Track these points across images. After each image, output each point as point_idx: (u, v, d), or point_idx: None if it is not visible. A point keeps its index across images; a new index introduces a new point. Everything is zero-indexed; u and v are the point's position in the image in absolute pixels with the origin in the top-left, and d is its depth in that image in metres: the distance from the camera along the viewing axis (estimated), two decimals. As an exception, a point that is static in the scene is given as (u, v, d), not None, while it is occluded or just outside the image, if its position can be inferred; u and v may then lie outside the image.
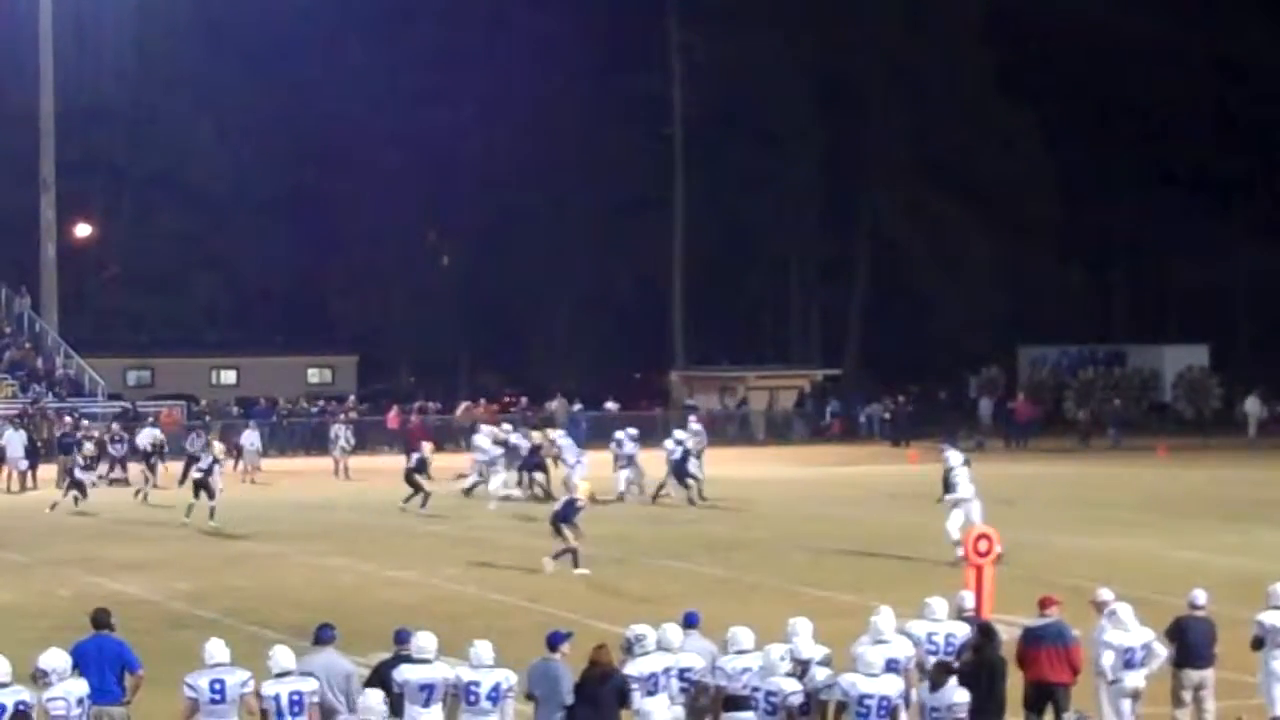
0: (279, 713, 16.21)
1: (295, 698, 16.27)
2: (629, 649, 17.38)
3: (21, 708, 15.44)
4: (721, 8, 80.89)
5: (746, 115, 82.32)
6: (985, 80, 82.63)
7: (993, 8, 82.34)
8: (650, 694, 17.02)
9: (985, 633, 18.59)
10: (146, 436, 51.11)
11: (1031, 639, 18.76)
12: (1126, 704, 18.82)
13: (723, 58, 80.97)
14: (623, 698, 16.93)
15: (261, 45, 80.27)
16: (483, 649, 16.87)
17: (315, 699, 16.42)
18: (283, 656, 16.57)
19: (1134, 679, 18.80)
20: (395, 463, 55.17)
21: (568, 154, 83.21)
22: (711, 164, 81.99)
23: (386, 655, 17.64)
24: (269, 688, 16.33)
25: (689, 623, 18.30)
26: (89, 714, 16.19)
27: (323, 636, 17.61)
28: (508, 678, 16.72)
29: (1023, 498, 43.98)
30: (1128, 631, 18.91)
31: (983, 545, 22.01)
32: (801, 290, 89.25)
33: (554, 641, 17.27)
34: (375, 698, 16.16)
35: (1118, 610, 19.09)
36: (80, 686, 16.20)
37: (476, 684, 16.62)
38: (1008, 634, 19.17)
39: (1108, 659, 18.66)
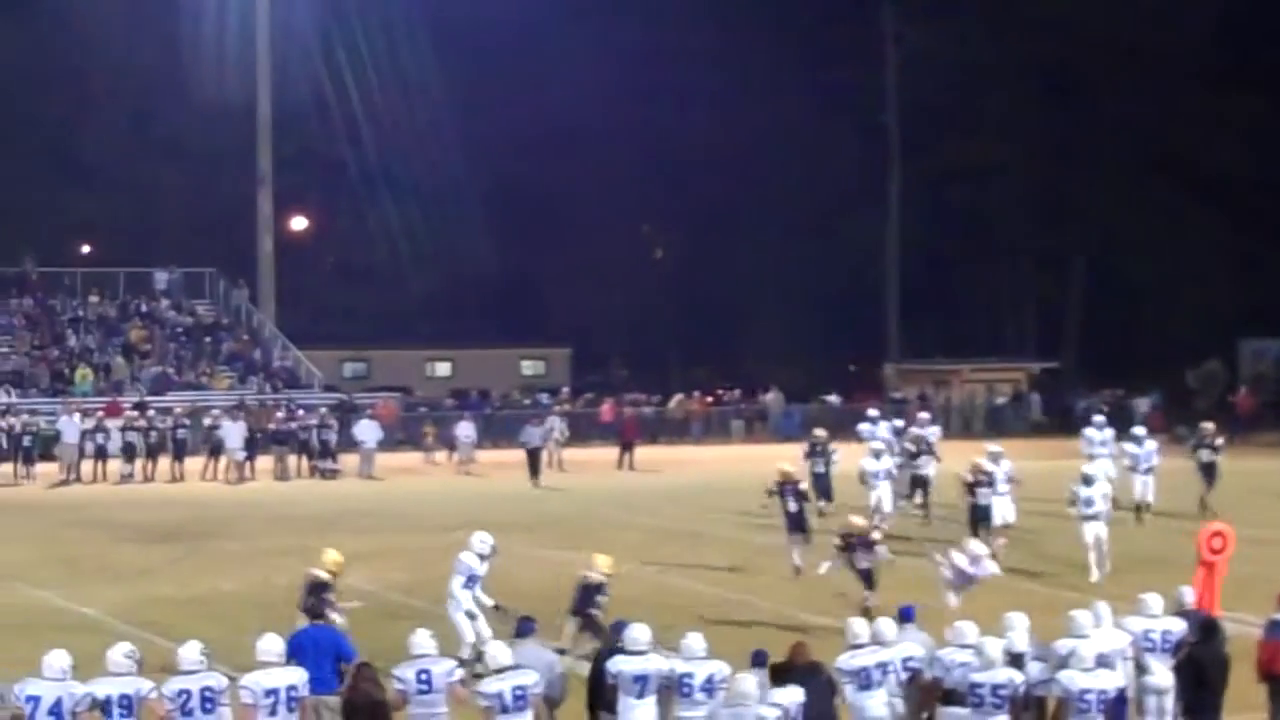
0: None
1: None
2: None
3: None
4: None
5: (960, 104, 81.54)
6: (1213, 69, 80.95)
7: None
8: (864, 688, 16.90)
9: (1206, 629, 18.14)
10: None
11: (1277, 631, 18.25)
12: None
13: (936, 46, 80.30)
14: (833, 688, 16.84)
15: (478, 44, 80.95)
16: (695, 641, 16.77)
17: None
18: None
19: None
20: (608, 454, 55.47)
21: (781, 146, 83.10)
22: (926, 154, 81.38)
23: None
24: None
25: (905, 617, 18.27)
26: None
27: (523, 629, 17.93)
28: (720, 669, 16.57)
29: (1246, 494, 43.06)
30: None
31: (1217, 543, 21.52)
32: (1016, 281, 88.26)
33: (758, 661, 16.92)
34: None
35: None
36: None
37: (690, 676, 16.51)
38: (1234, 630, 18.67)
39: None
